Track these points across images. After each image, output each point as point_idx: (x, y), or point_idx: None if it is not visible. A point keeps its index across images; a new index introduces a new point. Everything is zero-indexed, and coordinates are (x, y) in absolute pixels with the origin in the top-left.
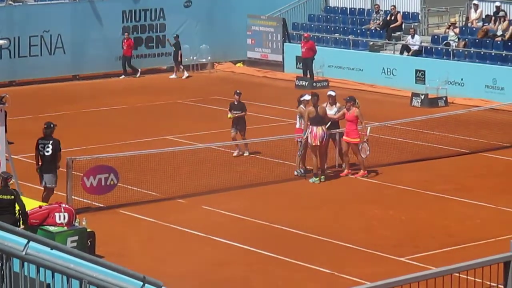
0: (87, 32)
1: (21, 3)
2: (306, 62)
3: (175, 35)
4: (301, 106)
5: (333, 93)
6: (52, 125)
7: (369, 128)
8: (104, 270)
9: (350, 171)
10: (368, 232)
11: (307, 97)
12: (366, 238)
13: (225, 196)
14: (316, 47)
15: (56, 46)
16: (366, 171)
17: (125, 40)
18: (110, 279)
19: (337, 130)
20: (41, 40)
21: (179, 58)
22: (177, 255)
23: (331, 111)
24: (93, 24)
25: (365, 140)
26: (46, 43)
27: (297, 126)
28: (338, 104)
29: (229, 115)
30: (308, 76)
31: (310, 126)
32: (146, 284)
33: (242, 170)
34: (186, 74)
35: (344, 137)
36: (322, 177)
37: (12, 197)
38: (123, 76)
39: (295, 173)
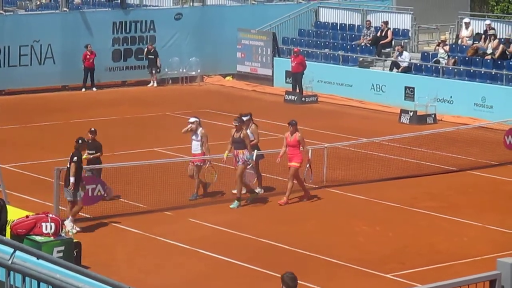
0: (77, 43)
1: (12, 13)
2: (295, 76)
3: (150, 44)
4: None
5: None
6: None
7: (310, 151)
8: (90, 280)
9: (289, 200)
10: (355, 248)
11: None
12: (353, 253)
13: (212, 209)
14: (306, 62)
15: (46, 56)
16: (288, 200)
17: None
18: None
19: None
20: (31, 49)
21: (158, 66)
22: (163, 267)
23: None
24: (83, 34)
25: (308, 165)
26: (36, 52)
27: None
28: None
29: (85, 155)
30: (298, 90)
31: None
32: None
33: (227, 183)
34: (155, 83)
35: (290, 163)
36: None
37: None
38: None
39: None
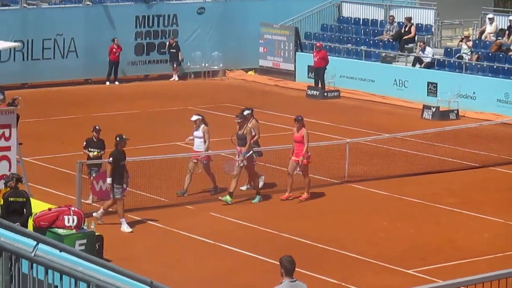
0: (100, 36)
1: (35, 6)
2: (318, 71)
3: (172, 38)
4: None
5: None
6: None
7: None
8: (112, 273)
9: (291, 194)
10: (376, 244)
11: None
12: (374, 249)
13: (234, 204)
14: (329, 57)
15: (69, 49)
16: (309, 194)
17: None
18: (117, 282)
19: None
20: (54, 43)
21: (179, 60)
22: (184, 262)
23: (195, 133)
24: (106, 28)
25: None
26: (59, 46)
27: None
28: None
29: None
30: (320, 86)
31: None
32: None
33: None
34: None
35: (293, 158)
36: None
37: (24, 199)
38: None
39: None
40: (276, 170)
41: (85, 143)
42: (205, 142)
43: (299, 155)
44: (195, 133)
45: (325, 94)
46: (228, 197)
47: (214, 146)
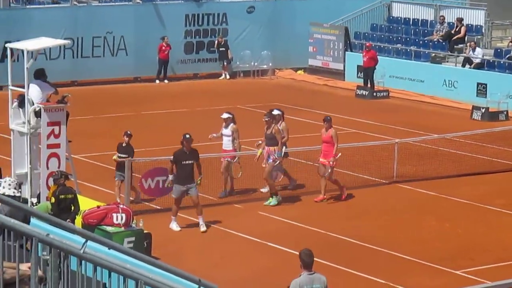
0: (149, 35)
1: (85, 4)
2: (367, 71)
3: (221, 36)
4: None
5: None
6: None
7: (339, 154)
8: (161, 271)
9: (325, 196)
10: (424, 244)
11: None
12: (422, 249)
13: (281, 203)
14: (378, 57)
15: (119, 47)
16: (325, 196)
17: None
18: (166, 280)
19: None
20: (104, 41)
21: (229, 58)
22: (231, 260)
23: (225, 131)
24: (156, 26)
25: (331, 161)
26: (109, 44)
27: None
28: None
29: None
30: (369, 85)
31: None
32: (201, 287)
33: (300, 177)
34: (227, 76)
35: (320, 159)
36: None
37: (72, 196)
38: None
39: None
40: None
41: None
42: (233, 140)
43: (327, 155)
44: (224, 131)
45: (374, 94)
46: (274, 199)
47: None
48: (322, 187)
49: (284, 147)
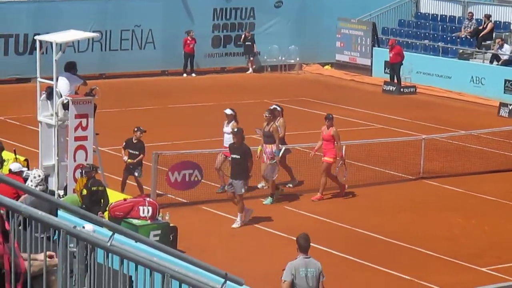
0: (177, 28)
1: None
2: (393, 67)
3: (247, 31)
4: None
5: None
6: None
7: (344, 147)
8: (187, 265)
9: (322, 195)
10: (450, 241)
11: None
12: (448, 246)
13: (308, 198)
14: (404, 52)
15: (147, 41)
16: (322, 195)
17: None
18: (192, 274)
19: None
20: (132, 34)
21: (254, 52)
22: (257, 254)
23: (226, 128)
24: (184, 20)
25: (341, 161)
26: (137, 37)
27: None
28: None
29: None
30: (395, 81)
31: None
32: (227, 281)
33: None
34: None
35: (324, 158)
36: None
37: (102, 188)
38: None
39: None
40: (352, 165)
41: (124, 143)
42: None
43: (328, 154)
44: (225, 129)
45: (401, 89)
46: (270, 199)
47: (290, 139)
48: (321, 184)
49: (283, 145)
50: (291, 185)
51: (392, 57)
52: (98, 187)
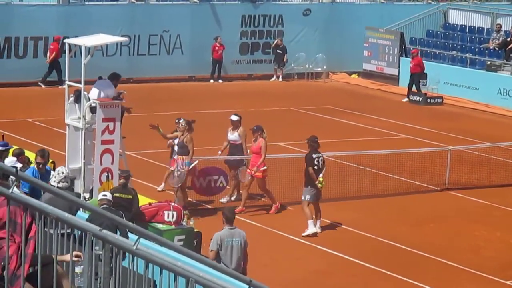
0: (205, 34)
1: (143, 2)
2: (412, 77)
3: (280, 39)
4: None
5: (234, 118)
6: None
7: (265, 166)
8: (211, 270)
9: (244, 208)
10: (474, 253)
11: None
12: (472, 258)
13: (332, 206)
14: (432, 63)
15: (175, 46)
16: (278, 204)
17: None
18: (216, 279)
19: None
20: (161, 39)
21: (284, 61)
22: (280, 261)
23: (232, 136)
24: (212, 26)
25: (244, 162)
26: (165, 42)
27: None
28: (240, 129)
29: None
30: (414, 90)
31: None
32: None
33: (351, 181)
34: (280, 78)
35: (248, 170)
36: None
37: (130, 196)
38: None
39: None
40: (378, 174)
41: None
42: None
43: (254, 167)
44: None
45: (428, 100)
46: None
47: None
48: (243, 198)
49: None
50: (224, 200)
51: (412, 67)
52: (122, 194)
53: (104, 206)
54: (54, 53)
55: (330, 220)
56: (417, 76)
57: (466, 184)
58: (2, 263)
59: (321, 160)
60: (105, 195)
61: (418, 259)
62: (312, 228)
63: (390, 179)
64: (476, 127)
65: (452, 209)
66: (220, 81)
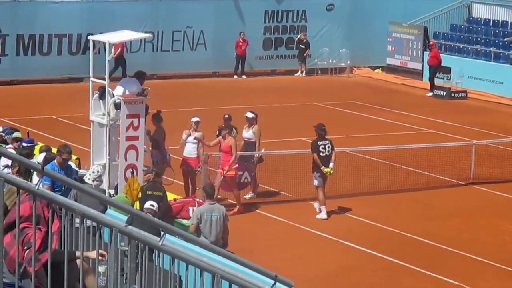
0: (229, 30)
1: None
2: (430, 70)
3: (303, 34)
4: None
5: (249, 115)
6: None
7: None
8: (236, 265)
9: (235, 210)
10: (500, 247)
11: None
12: (498, 252)
13: (356, 201)
14: (456, 57)
15: (198, 42)
16: (242, 207)
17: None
18: (241, 275)
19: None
20: (184, 35)
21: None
22: (305, 257)
23: (247, 134)
24: (235, 22)
25: (226, 171)
26: (188, 38)
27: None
28: (255, 127)
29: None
30: (437, 84)
31: None
32: (277, 283)
33: (376, 176)
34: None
35: (218, 170)
36: None
37: (161, 194)
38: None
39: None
40: (402, 169)
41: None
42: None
43: (225, 166)
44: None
45: (452, 94)
46: None
47: (340, 143)
48: (236, 198)
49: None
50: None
51: (429, 59)
52: (154, 191)
53: (97, 183)
54: (119, 48)
55: (354, 215)
56: (434, 68)
57: (491, 178)
58: (25, 247)
59: (328, 147)
60: (152, 206)
61: (443, 254)
62: (323, 214)
63: (415, 173)
64: (500, 121)
65: (477, 204)
66: (244, 76)
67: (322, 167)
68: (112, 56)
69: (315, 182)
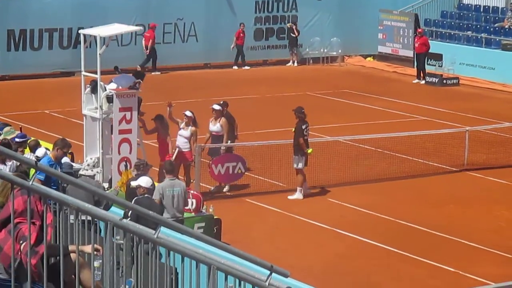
0: (220, 22)
1: None
2: (419, 57)
3: (293, 23)
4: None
5: (216, 107)
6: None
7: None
8: (232, 257)
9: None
10: (495, 233)
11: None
12: (493, 238)
13: (351, 190)
14: (447, 44)
15: (189, 34)
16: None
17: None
18: (237, 266)
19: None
20: (175, 27)
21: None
22: (301, 247)
23: (214, 127)
24: (226, 13)
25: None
26: (179, 30)
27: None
28: (223, 120)
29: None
30: (422, 73)
31: None
32: (273, 273)
33: (369, 164)
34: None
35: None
36: None
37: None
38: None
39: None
40: (395, 157)
41: None
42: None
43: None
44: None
45: (444, 81)
46: None
47: (334, 131)
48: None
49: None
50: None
51: (417, 47)
52: None
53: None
54: (150, 40)
55: (348, 204)
56: (423, 56)
57: (485, 165)
58: (21, 241)
59: (308, 129)
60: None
61: (438, 241)
62: (299, 194)
63: (408, 161)
64: (493, 107)
65: (471, 190)
66: (247, 67)
67: (307, 150)
68: (146, 52)
69: (300, 165)
